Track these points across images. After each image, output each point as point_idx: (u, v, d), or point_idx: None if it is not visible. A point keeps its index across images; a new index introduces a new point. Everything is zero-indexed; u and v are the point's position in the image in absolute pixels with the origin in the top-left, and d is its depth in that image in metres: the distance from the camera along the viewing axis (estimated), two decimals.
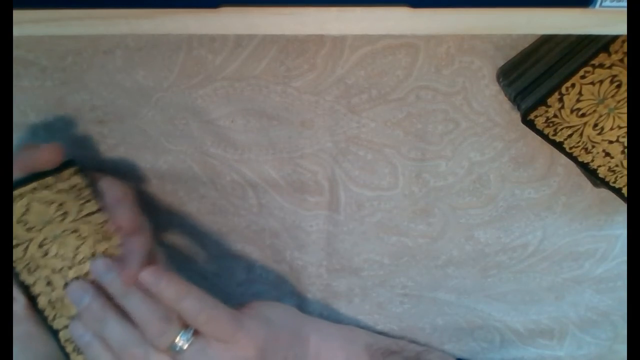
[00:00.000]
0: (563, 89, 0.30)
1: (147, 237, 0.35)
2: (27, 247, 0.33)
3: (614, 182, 0.34)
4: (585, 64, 0.29)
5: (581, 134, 0.32)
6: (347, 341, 0.41)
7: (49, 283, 0.34)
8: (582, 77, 0.30)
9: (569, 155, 0.33)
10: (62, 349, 0.36)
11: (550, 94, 0.30)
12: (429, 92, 0.34)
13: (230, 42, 0.32)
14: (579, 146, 0.32)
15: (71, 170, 0.33)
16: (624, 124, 0.31)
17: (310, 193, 0.39)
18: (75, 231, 0.34)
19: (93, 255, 0.35)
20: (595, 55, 0.29)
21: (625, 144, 0.32)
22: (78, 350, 0.36)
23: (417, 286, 0.44)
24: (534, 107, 0.31)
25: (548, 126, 0.32)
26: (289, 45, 0.32)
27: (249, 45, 0.32)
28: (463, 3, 0.23)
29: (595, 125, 0.31)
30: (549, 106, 0.31)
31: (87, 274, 0.35)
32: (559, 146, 0.32)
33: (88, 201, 0.34)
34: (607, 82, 0.30)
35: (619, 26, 0.23)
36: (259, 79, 0.33)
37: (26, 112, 0.34)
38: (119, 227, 0.34)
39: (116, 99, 0.34)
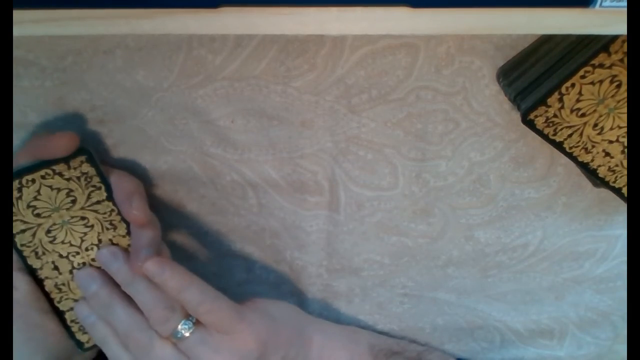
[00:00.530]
0: (563, 89, 0.30)
1: (157, 230, 0.35)
2: (35, 232, 0.34)
3: (614, 182, 0.34)
4: (585, 64, 0.29)
5: (581, 134, 0.32)
6: (350, 342, 0.41)
7: (55, 268, 0.35)
8: (582, 77, 0.30)
9: (569, 155, 0.33)
10: (67, 328, 0.37)
11: (550, 94, 0.30)
12: (429, 92, 0.34)
13: (230, 42, 0.32)
14: (579, 146, 0.32)
15: (82, 158, 0.33)
16: (624, 124, 0.31)
17: (310, 193, 0.39)
18: (83, 218, 0.35)
19: (100, 242, 0.36)
20: (595, 55, 0.29)
21: (625, 144, 0.32)
22: (83, 329, 0.37)
23: (417, 286, 0.44)
24: (534, 107, 0.31)
25: (548, 126, 0.32)
26: (289, 45, 0.32)
27: (249, 45, 0.32)
28: (463, 3, 0.23)
29: (595, 125, 0.31)
30: (549, 106, 0.31)
31: (93, 259, 0.36)
32: (559, 146, 0.32)
33: (97, 189, 0.34)
34: (607, 82, 0.30)
35: (619, 26, 0.23)
36: (259, 79, 0.33)
37: (26, 112, 0.34)
38: (130, 220, 0.34)
39: (116, 99, 0.34)
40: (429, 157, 0.37)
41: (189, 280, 0.34)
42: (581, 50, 0.30)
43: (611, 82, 0.30)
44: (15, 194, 0.33)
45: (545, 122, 0.31)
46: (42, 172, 0.33)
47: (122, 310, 0.34)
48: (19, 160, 0.33)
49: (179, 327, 0.34)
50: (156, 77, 0.33)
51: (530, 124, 0.31)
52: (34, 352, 0.35)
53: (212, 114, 0.35)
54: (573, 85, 0.30)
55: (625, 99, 0.30)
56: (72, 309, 0.36)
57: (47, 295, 0.36)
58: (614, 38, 0.28)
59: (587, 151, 0.32)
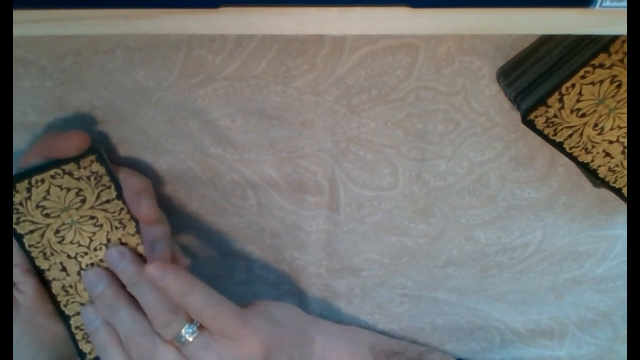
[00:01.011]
0: (563, 89, 0.30)
1: (167, 226, 0.35)
2: (43, 233, 0.34)
3: (614, 182, 0.34)
4: (585, 64, 0.29)
5: (581, 134, 0.32)
6: (351, 342, 0.41)
7: (63, 269, 0.35)
8: (582, 77, 0.30)
9: (569, 155, 0.33)
10: (71, 335, 0.37)
11: (550, 94, 0.30)
12: (429, 92, 0.34)
13: (230, 42, 0.32)
14: (579, 146, 0.32)
15: (92, 157, 0.33)
16: (624, 124, 0.31)
17: (310, 193, 0.39)
18: (92, 218, 0.35)
19: (108, 242, 0.36)
20: (595, 55, 0.29)
21: (625, 144, 0.32)
22: (87, 338, 0.37)
23: (417, 286, 0.44)
24: (534, 107, 0.31)
25: (548, 126, 0.32)
26: (289, 45, 0.32)
27: (249, 45, 0.32)
28: (463, 3, 0.23)
29: (595, 125, 0.31)
30: (549, 106, 0.31)
31: (102, 260, 0.36)
32: (559, 146, 0.32)
33: (107, 188, 0.34)
34: (607, 82, 0.30)
35: (619, 26, 0.23)
36: (259, 79, 0.33)
37: (26, 112, 0.34)
38: (140, 218, 0.34)
39: (116, 99, 0.34)
40: (429, 157, 0.37)
41: (192, 285, 0.33)
42: (581, 51, 0.30)
43: (611, 82, 0.30)
44: (25, 194, 0.33)
45: (546, 122, 0.31)
46: (52, 172, 0.33)
47: (126, 313, 0.34)
48: (29, 159, 0.33)
49: (183, 331, 0.33)
50: (156, 77, 0.33)
51: (530, 124, 0.31)
52: (38, 355, 0.35)
53: (212, 114, 0.35)
54: (573, 85, 0.30)
55: (625, 99, 0.30)
56: (78, 313, 0.36)
57: (53, 298, 0.36)
58: (614, 38, 0.28)
59: (587, 151, 0.32)
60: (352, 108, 0.35)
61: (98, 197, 0.34)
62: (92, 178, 0.34)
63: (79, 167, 0.33)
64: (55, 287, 0.35)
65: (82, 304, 0.36)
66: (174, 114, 0.35)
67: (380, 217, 0.40)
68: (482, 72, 0.33)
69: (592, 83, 0.30)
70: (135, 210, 0.34)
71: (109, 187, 0.34)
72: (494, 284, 0.43)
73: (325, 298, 0.45)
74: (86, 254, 0.35)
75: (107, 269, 0.36)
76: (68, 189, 0.33)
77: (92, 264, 0.36)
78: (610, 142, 0.32)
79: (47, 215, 0.34)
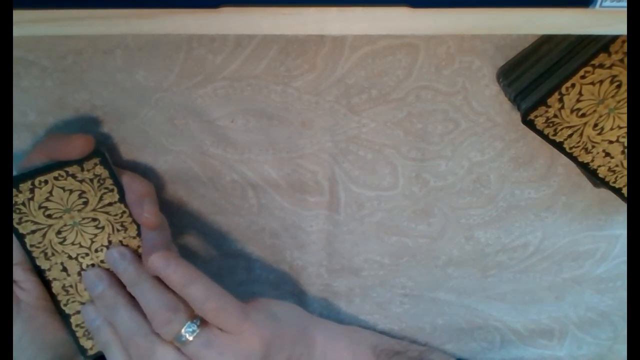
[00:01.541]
0: (563, 89, 0.30)
1: (168, 231, 0.36)
2: (45, 233, 0.34)
3: (614, 182, 0.34)
4: (585, 64, 0.29)
5: (581, 134, 0.32)
6: (353, 342, 0.41)
7: (64, 269, 0.35)
8: (582, 77, 0.30)
9: (569, 155, 0.33)
10: (72, 333, 0.37)
11: (550, 94, 0.30)
12: (429, 92, 0.34)
13: (230, 42, 0.32)
14: (579, 146, 0.32)
15: (96, 160, 0.33)
16: (624, 124, 0.31)
17: (310, 193, 0.39)
18: (94, 220, 0.35)
19: (109, 243, 0.36)
20: (595, 55, 0.29)
21: (625, 144, 0.32)
22: (87, 335, 0.37)
23: (417, 286, 0.44)
24: (534, 107, 0.31)
25: (548, 126, 0.32)
26: (289, 45, 0.32)
27: (249, 45, 0.32)
28: (463, 3, 0.23)
29: (595, 125, 0.31)
30: (549, 106, 0.31)
31: (102, 261, 0.36)
32: (559, 146, 0.32)
33: (109, 191, 0.34)
34: (607, 82, 0.30)
35: (619, 26, 0.23)
36: (259, 79, 0.33)
37: (26, 112, 0.34)
38: (142, 223, 0.34)
39: (116, 99, 0.34)
40: (429, 157, 0.37)
41: (194, 276, 0.33)
42: (581, 51, 0.30)
43: (611, 82, 0.30)
44: (27, 194, 0.33)
45: (546, 122, 0.31)
46: (55, 174, 0.33)
47: (126, 313, 0.34)
48: (32, 160, 0.33)
49: (183, 330, 0.33)
50: (156, 77, 0.33)
51: (530, 124, 0.31)
52: (39, 354, 0.35)
53: (212, 114, 0.35)
54: (573, 85, 0.30)
55: (625, 99, 0.30)
56: (78, 312, 0.36)
57: (53, 298, 0.36)
58: (614, 38, 0.28)
59: (587, 151, 0.32)
60: (352, 108, 0.35)
61: (100, 199, 0.34)
62: (95, 181, 0.34)
63: (82, 170, 0.33)
64: (56, 286, 0.36)
65: (82, 303, 0.36)
66: (174, 114, 0.35)
67: (380, 217, 0.40)
68: (482, 72, 0.33)
69: (592, 83, 0.30)
70: (137, 214, 0.34)
71: (112, 190, 0.34)
72: (494, 284, 0.43)
73: (325, 298, 0.45)
74: (87, 255, 0.36)
75: (107, 269, 0.36)
76: (71, 191, 0.34)
77: (92, 265, 0.36)
78: (610, 142, 0.32)
79: (49, 216, 0.34)
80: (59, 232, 0.34)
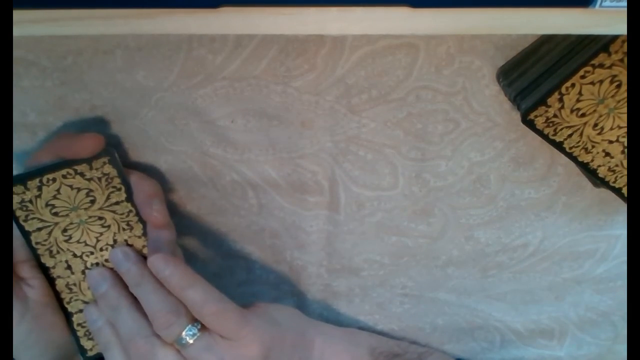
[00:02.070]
0: (563, 89, 0.30)
1: (174, 232, 0.36)
2: (51, 231, 0.34)
3: (614, 182, 0.34)
4: (585, 64, 0.29)
5: (581, 134, 0.32)
6: (351, 344, 0.41)
7: (68, 267, 0.36)
8: (582, 77, 0.30)
9: (569, 155, 0.33)
10: (73, 332, 0.37)
11: (550, 94, 0.30)
12: (429, 92, 0.34)
13: (230, 42, 0.32)
14: (579, 146, 0.32)
15: (105, 159, 0.33)
16: (624, 124, 0.31)
17: (310, 193, 0.39)
18: (100, 218, 0.35)
19: (115, 242, 0.36)
20: (595, 55, 0.29)
21: (625, 144, 0.32)
22: (89, 335, 0.37)
23: (417, 286, 0.44)
24: (534, 107, 0.31)
25: (548, 126, 0.32)
26: (289, 45, 0.32)
27: (249, 45, 0.32)
28: (463, 3, 0.23)
29: (595, 125, 0.31)
30: (549, 106, 0.31)
31: (107, 260, 0.36)
32: (559, 146, 0.32)
33: (117, 190, 0.34)
34: (607, 82, 0.30)
35: (619, 26, 0.23)
36: (259, 79, 0.33)
37: (26, 112, 0.34)
38: (151, 222, 0.35)
39: (116, 99, 0.34)
40: (429, 157, 0.37)
41: (193, 279, 0.33)
42: (581, 50, 0.30)
43: (611, 82, 0.30)
44: (35, 192, 0.33)
45: (545, 122, 0.31)
46: (64, 172, 0.33)
47: (127, 314, 0.34)
48: (40, 158, 0.33)
49: (184, 333, 0.33)
50: (156, 77, 0.33)
51: (530, 124, 0.31)
52: (43, 353, 0.35)
53: (212, 114, 0.35)
54: (573, 85, 0.30)
55: (625, 99, 0.30)
56: (80, 311, 0.36)
57: (57, 295, 0.36)
58: (614, 38, 0.28)
59: (587, 151, 0.32)
60: (352, 108, 0.35)
61: (108, 198, 0.34)
62: (103, 179, 0.34)
63: (90, 168, 0.33)
64: (59, 284, 0.36)
65: (85, 302, 0.36)
66: (174, 114, 0.35)
67: (380, 217, 0.40)
68: (482, 72, 0.33)
69: (592, 83, 0.30)
70: (146, 213, 0.34)
71: (119, 190, 0.34)
72: (494, 284, 0.43)
73: (325, 298, 0.45)
74: (92, 253, 0.36)
75: (111, 269, 0.36)
76: (78, 189, 0.34)
77: (97, 264, 0.36)
78: (610, 142, 0.32)
79: (55, 214, 0.34)
80: (64, 230, 0.35)
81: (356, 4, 0.23)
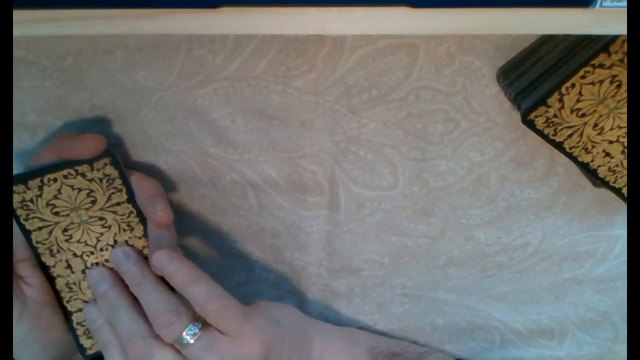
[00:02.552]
0: (563, 89, 0.30)
1: (174, 234, 0.36)
2: (52, 231, 0.34)
3: (614, 182, 0.34)
4: (585, 64, 0.29)
5: (581, 134, 0.32)
6: (350, 344, 0.41)
7: (68, 266, 0.36)
8: (582, 77, 0.30)
9: (569, 155, 0.33)
10: (72, 330, 0.37)
11: (550, 94, 0.30)
12: (429, 92, 0.34)
13: (230, 42, 0.32)
14: (579, 146, 0.32)
15: (106, 160, 0.33)
16: (624, 124, 0.31)
17: (310, 193, 0.39)
18: (101, 219, 0.35)
19: (115, 243, 0.36)
20: (595, 55, 0.29)
21: (625, 144, 0.32)
22: (88, 334, 0.37)
23: (417, 286, 0.44)
24: (534, 107, 0.31)
25: (548, 126, 0.32)
26: (289, 45, 0.32)
27: (249, 45, 0.32)
28: (463, 3, 0.23)
29: (595, 125, 0.31)
30: (549, 106, 0.31)
31: (107, 260, 0.36)
32: (559, 146, 0.32)
33: (118, 191, 0.34)
34: (607, 82, 0.30)
35: (619, 26, 0.23)
36: (259, 79, 0.33)
37: (26, 112, 0.34)
38: (155, 221, 0.35)
39: (116, 99, 0.34)
40: (429, 157, 0.37)
41: (198, 275, 0.33)
42: (581, 51, 0.30)
43: (611, 82, 0.30)
44: (36, 191, 0.33)
45: (545, 122, 0.31)
46: (65, 172, 0.33)
47: (126, 314, 0.34)
48: (42, 157, 0.33)
49: (184, 333, 0.33)
50: (156, 77, 0.33)
51: (530, 124, 0.31)
52: (42, 352, 0.35)
53: (212, 114, 0.35)
54: (573, 85, 0.30)
55: (625, 99, 0.30)
56: (80, 310, 0.36)
57: (56, 294, 0.36)
58: (614, 38, 0.28)
59: (587, 151, 0.32)
60: (352, 108, 0.35)
61: (109, 199, 0.34)
62: (104, 180, 0.34)
63: (92, 169, 0.33)
64: (59, 283, 0.36)
65: (85, 301, 0.36)
66: (174, 114, 0.35)
67: (380, 217, 0.40)
68: (482, 72, 0.33)
69: (592, 83, 0.30)
70: (150, 213, 0.34)
71: (121, 190, 0.34)
72: (494, 284, 0.43)
73: (325, 298, 0.45)
74: (92, 253, 0.36)
75: (111, 269, 0.36)
76: (79, 190, 0.34)
77: (97, 263, 0.36)
78: (610, 142, 0.32)
79: (56, 214, 0.34)
80: (65, 230, 0.35)
81: (356, 4, 0.23)
